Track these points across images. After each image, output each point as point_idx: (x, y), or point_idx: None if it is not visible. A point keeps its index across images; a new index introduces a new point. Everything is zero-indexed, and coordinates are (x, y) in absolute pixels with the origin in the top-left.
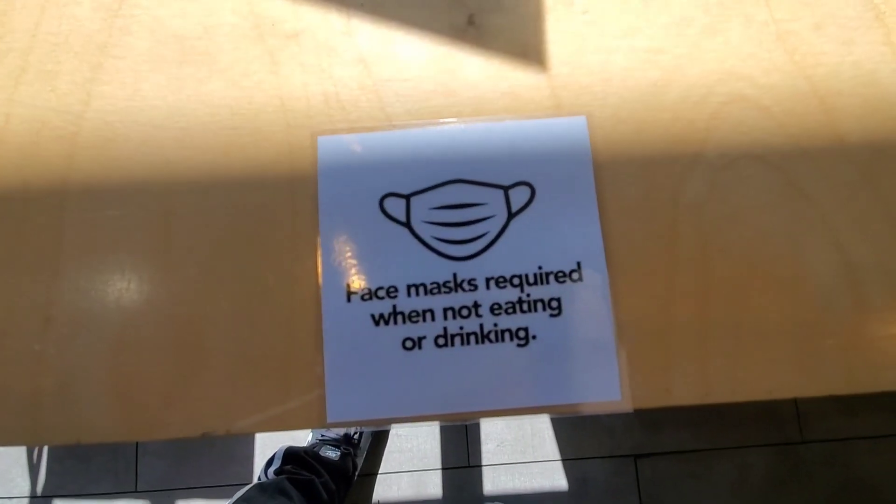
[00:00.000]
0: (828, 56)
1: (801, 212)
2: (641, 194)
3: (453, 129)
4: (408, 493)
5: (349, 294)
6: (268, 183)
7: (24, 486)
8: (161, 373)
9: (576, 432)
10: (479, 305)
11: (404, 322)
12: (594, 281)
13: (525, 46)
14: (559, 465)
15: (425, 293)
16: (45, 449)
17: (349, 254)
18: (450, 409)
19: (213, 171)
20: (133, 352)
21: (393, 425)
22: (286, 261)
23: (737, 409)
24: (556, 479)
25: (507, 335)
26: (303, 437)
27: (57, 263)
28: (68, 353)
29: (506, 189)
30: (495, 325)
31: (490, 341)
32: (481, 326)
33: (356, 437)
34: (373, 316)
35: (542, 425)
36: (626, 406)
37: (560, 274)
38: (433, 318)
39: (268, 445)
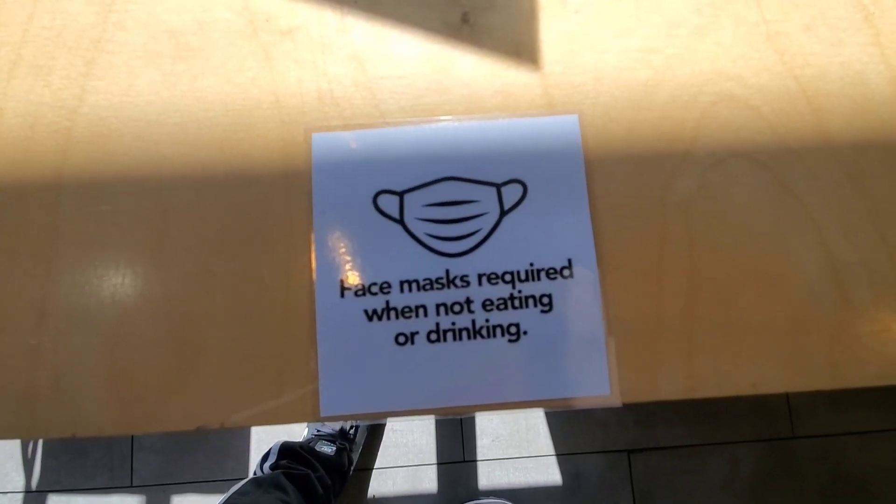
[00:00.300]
0: (817, 57)
1: (789, 210)
2: (632, 192)
3: (447, 127)
4: (403, 487)
5: (343, 290)
6: (262, 179)
7: (18, 481)
8: (156, 367)
9: (570, 428)
10: (472, 301)
11: (397, 317)
12: (585, 278)
13: (518, 45)
14: (553, 460)
15: (418, 289)
16: (40, 444)
17: (343, 250)
18: (441, 403)
19: (207, 166)
20: (128, 346)
21: (386, 419)
22: (280, 256)
23: (730, 405)
24: (550, 473)
25: (498, 331)
26: (298, 432)
27: (52, 258)
28: (64, 347)
29: (498, 186)
30: (487, 320)
31: (482, 337)
32: (473, 322)
33: (352, 432)
34: (366, 311)
35: (536, 421)
36: (615, 400)
37: (551, 271)
38: (426, 314)
39: (263, 440)
